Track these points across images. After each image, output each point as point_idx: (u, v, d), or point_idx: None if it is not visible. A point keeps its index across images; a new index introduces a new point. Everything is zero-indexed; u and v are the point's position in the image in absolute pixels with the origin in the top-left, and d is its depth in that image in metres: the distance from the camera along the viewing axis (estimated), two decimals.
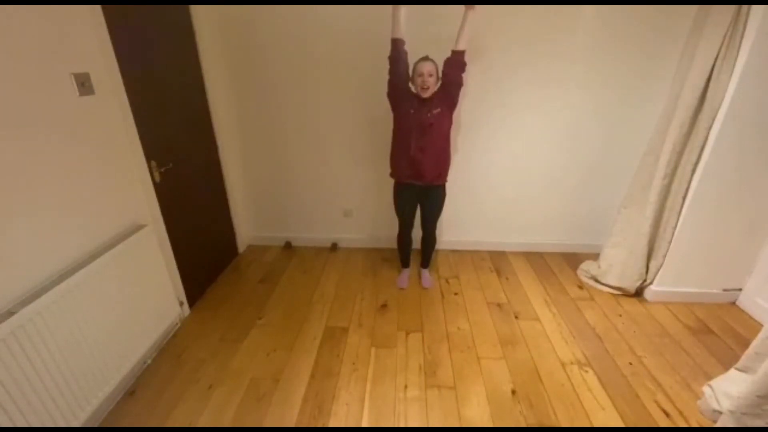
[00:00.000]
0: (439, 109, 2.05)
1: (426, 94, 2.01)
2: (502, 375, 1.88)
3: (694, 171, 2.13)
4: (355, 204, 2.96)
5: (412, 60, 2.04)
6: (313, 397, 1.76)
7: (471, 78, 2.45)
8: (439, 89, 2.06)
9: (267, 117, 2.69)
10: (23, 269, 1.34)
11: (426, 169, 2.13)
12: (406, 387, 1.81)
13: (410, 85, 2.08)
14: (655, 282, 2.41)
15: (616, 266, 2.49)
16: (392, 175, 2.28)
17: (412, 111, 2.07)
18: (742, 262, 2.32)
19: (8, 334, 1.21)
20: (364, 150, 2.72)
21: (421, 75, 1.97)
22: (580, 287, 2.60)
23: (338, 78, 2.52)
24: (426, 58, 2.00)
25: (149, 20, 1.92)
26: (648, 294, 2.45)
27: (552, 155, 2.70)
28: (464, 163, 2.72)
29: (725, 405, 1.55)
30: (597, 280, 2.59)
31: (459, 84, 2.04)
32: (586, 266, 2.71)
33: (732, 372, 1.66)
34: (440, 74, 2.03)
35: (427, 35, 2.30)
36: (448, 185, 2.29)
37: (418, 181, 2.18)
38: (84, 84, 1.53)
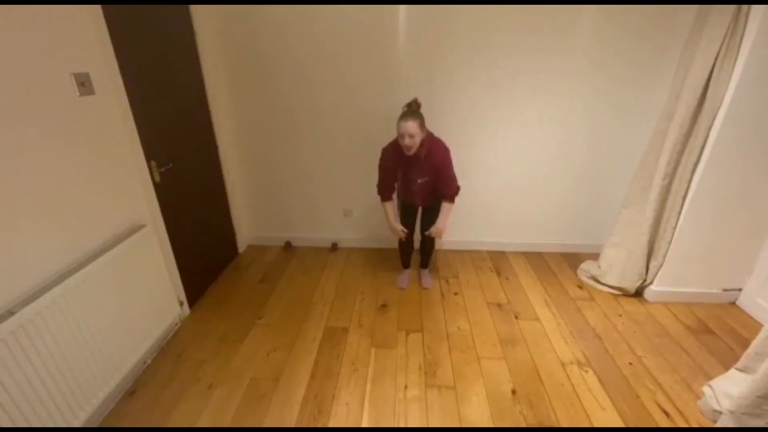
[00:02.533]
0: (426, 178, 2.10)
1: (410, 153, 1.99)
2: (502, 375, 1.88)
3: (694, 171, 2.13)
4: (355, 204, 2.96)
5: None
6: (313, 397, 1.76)
7: (470, 79, 2.46)
8: (429, 163, 2.05)
9: (267, 117, 2.69)
10: (23, 269, 1.34)
11: (421, 202, 2.27)
12: (406, 387, 1.81)
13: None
14: (655, 282, 2.41)
15: (616, 266, 2.49)
16: (398, 196, 2.36)
17: (399, 175, 2.13)
18: (742, 262, 2.32)
19: (8, 334, 1.21)
20: (364, 150, 2.72)
21: (402, 136, 1.92)
22: (580, 287, 2.60)
23: (338, 77, 2.52)
24: (406, 116, 1.92)
25: (149, 20, 1.92)
26: (648, 294, 2.45)
27: (552, 155, 2.69)
28: (463, 163, 2.70)
29: (725, 405, 1.56)
30: (597, 280, 2.59)
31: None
32: (586, 266, 2.72)
33: (732, 372, 1.66)
34: (424, 135, 1.98)
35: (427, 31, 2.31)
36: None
37: (412, 203, 2.31)
38: (84, 84, 1.53)
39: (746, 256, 2.30)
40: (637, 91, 2.45)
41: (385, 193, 2.23)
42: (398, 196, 2.32)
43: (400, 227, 2.29)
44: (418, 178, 2.11)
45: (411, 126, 1.90)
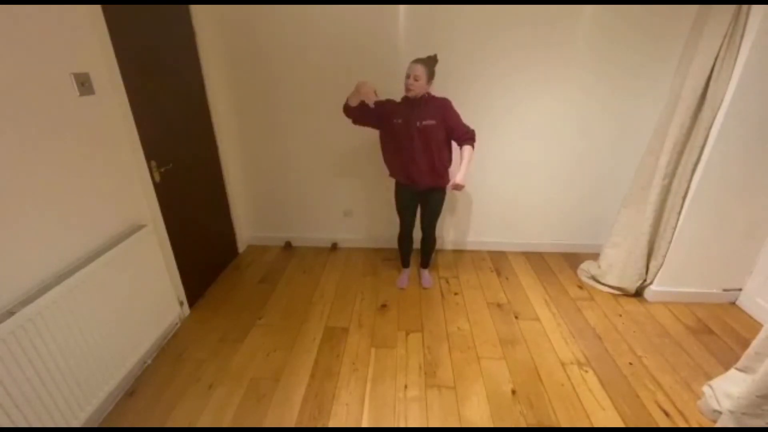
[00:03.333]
0: (433, 122, 2.01)
1: (410, 95, 1.98)
2: (502, 375, 1.88)
3: (694, 171, 2.13)
4: (355, 204, 2.96)
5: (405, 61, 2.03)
6: (313, 397, 1.76)
7: (470, 82, 2.46)
8: (432, 105, 2.02)
9: (267, 117, 2.69)
10: (23, 269, 1.34)
11: (420, 176, 2.12)
12: (406, 387, 1.81)
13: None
14: (655, 282, 2.41)
15: (616, 266, 2.49)
16: (391, 175, 2.29)
17: (399, 121, 2.03)
18: (742, 262, 2.32)
19: (8, 334, 1.21)
20: (364, 149, 2.72)
21: (407, 76, 1.95)
22: (580, 287, 2.60)
23: (338, 78, 2.52)
24: (418, 60, 1.95)
25: (149, 20, 1.92)
26: (648, 294, 2.45)
27: (552, 155, 2.70)
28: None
29: (725, 405, 1.56)
30: (597, 280, 2.59)
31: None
32: (586, 266, 2.72)
33: (732, 372, 1.66)
34: (428, 88, 2.00)
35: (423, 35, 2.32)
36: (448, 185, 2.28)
37: (415, 186, 2.19)
38: (84, 84, 1.53)
39: (746, 256, 2.30)
40: (636, 91, 2.45)
41: (349, 107, 2.04)
42: (393, 173, 2.23)
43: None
44: (420, 120, 1.99)
45: (418, 68, 1.93)
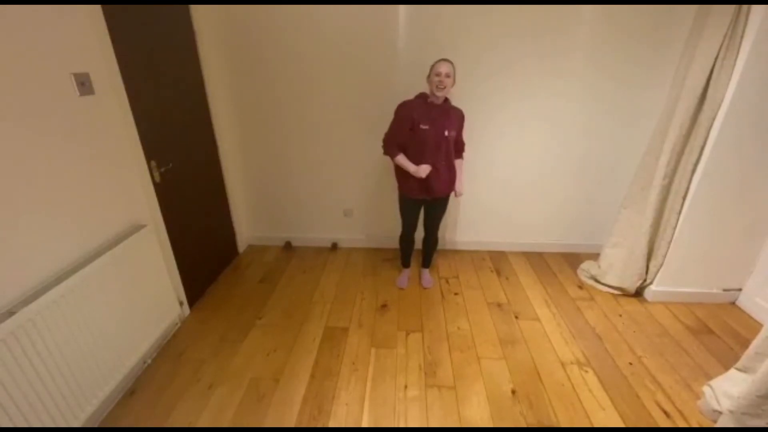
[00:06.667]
0: (455, 132, 2.12)
1: (440, 94, 1.98)
2: (502, 375, 1.88)
3: (694, 171, 2.13)
4: (355, 204, 2.96)
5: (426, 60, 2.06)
6: (313, 397, 1.76)
7: (474, 81, 2.46)
8: (455, 114, 2.11)
9: (267, 117, 2.69)
10: (23, 269, 1.34)
11: (439, 185, 2.17)
12: (406, 387, 1.81)
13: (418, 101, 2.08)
14: (655, 282, 2.41)
15: (616, 266, 2.49)
16: (401, 190, 2.28)
17: (426, 127, 2.03)
18: (742, 262, 2.32)
19: (8, 334, 1.21)
20: (365, 149, 2.72)
21: (438, 74, 1.94)
22: (580, 287, 2.60)
23: (338, 78, 2.52)
24: (445, 60, 1.97)
25: (149, 20, 1.92)
26: (648, 294, 2.45)
27: (552, 155, 2.70)
28: (465, 163, 2.71)
29: (725, 405, 1.56)
30: (597, 280, 2.59)
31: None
32: (586, 266, 2.72)
33: (732, 372, 1.66)
34: (452, 86, 2.01)
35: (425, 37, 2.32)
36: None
37: (428, 196, 2.21)
38: (84, 84, 1.53)
39: (746, 256, 2.30)
40: (636, 91, 2.45)
41: (393, 148, 2.10)
42: (408, 186, 2.20)
43: (423, 165, 2.05)
44: (447, 129, 2.05)
45: (449, 66, 1.95)
